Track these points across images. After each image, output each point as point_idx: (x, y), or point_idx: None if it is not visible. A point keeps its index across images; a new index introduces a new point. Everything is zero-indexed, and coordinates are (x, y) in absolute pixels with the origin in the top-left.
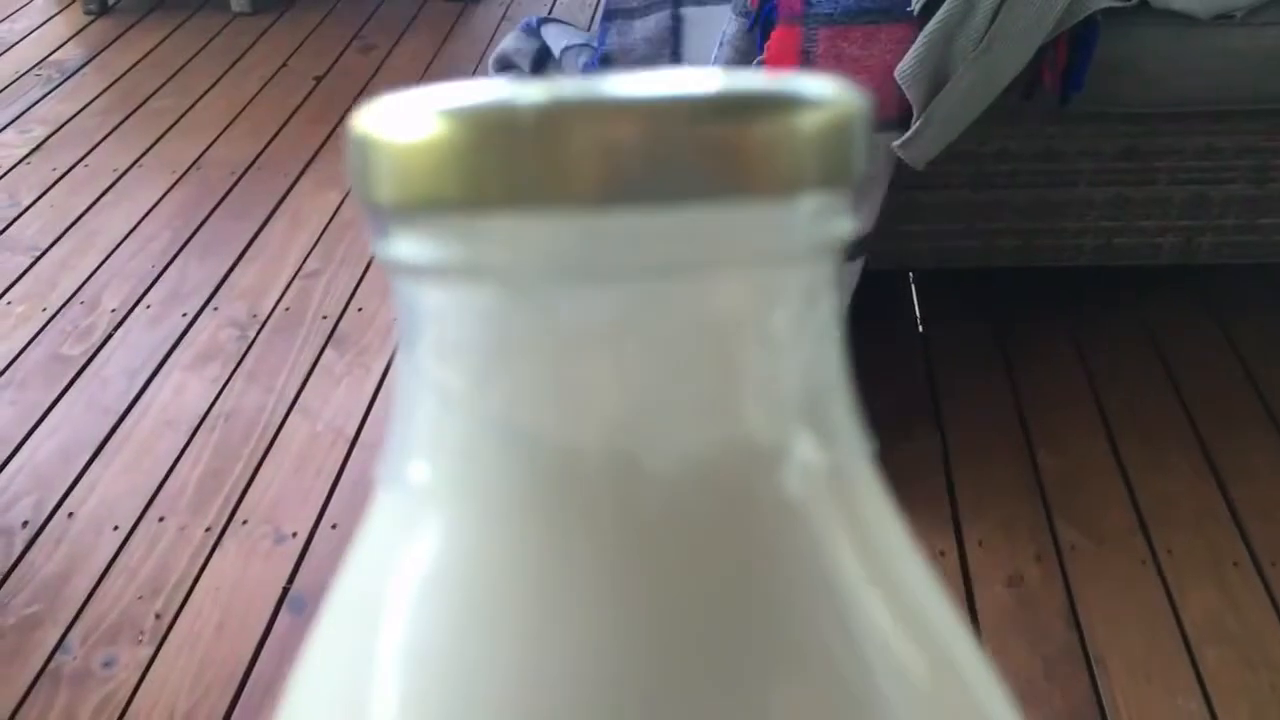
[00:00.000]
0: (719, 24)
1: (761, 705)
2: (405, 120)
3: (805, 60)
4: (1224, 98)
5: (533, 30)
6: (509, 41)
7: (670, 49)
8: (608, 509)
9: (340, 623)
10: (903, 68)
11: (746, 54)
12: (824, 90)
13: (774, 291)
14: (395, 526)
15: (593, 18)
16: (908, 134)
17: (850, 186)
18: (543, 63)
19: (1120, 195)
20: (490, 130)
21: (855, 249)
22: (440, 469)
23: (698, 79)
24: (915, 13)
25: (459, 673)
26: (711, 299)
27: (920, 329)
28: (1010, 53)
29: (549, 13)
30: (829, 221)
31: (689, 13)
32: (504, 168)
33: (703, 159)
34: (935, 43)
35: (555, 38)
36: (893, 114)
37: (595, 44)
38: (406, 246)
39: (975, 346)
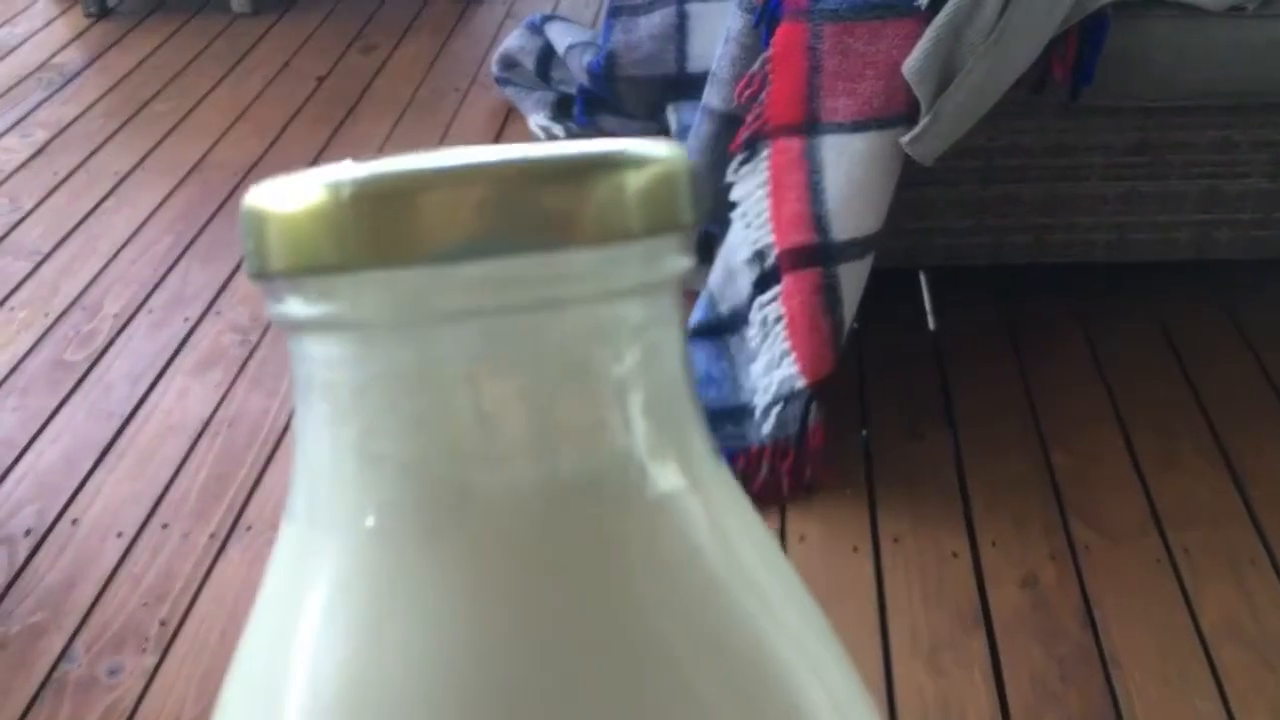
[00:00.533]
0: (724, 20)
1: (616, 702)
2: (278, 198)
3: (811, 56)
4: (1237, 91)
5: (536, 28)
6: (513, 40)
7: (675, 45)
8: (451, 530)
9: (249, 646)
10: (910, 63)
11: (752, 50)
12: (649, 150)
13: (608, 326)
14: (287, 551)
15: (597, 15)
16: (916, 130)
17: (679, 232)
18: (547, 61)
19: (1133, 190)
20: (344, 201)
21: (864, 247)
22: (317, 498)
23: (540, 149)
24: (923, 7)
25: (335, 686)
26: (544, 336)
27: (931, 327)
28: (1020, 46)
29: (553, 10)
30: (660, 262)
31: (694, 9)
32: (354, 233)
33: (530, 215)
34: (943, 37)
35: (559, 35)
36: (900, 110)
37: (600, 41)
38: (287, 307)
39: (987, 344)
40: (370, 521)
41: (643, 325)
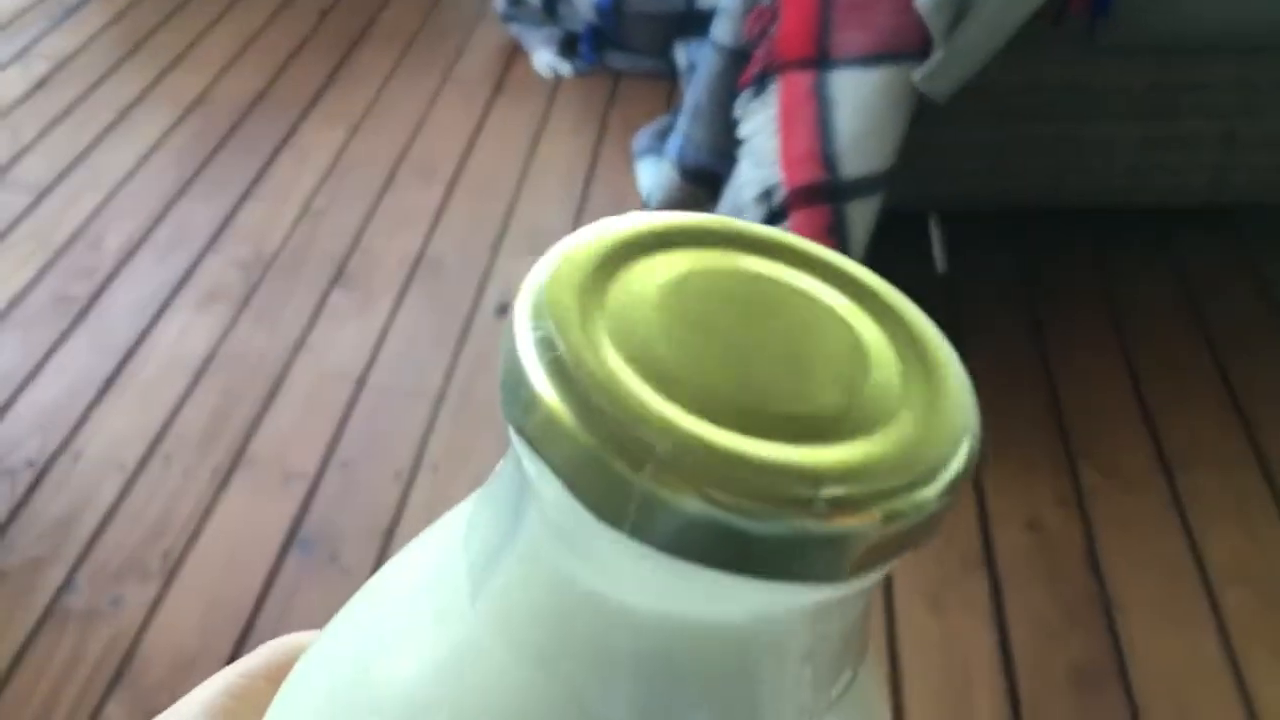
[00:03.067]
0: None
1: None
2: (570, 399)
3: None
4: (1255, 30)
5: None
6: None
7: None
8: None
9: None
10: None
11: None
12: (953, 449)
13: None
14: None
15: None
16: (928, 65)
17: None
18: None
19: (1150, 130)
20: (628, 465)
21: (875, 185)
22: (510, 604)
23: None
24: None
25: None
26: (752, 641)
27: (941, 269)
28: None
29: None
30: (877, 574)
31: None
32: (616, 495)
33: (797, 548)
34: None
35: None
36: (914, 45)
37: None
38: (529, 464)
39: (998, 287)
40: (528, 651)
41: (830, 621)
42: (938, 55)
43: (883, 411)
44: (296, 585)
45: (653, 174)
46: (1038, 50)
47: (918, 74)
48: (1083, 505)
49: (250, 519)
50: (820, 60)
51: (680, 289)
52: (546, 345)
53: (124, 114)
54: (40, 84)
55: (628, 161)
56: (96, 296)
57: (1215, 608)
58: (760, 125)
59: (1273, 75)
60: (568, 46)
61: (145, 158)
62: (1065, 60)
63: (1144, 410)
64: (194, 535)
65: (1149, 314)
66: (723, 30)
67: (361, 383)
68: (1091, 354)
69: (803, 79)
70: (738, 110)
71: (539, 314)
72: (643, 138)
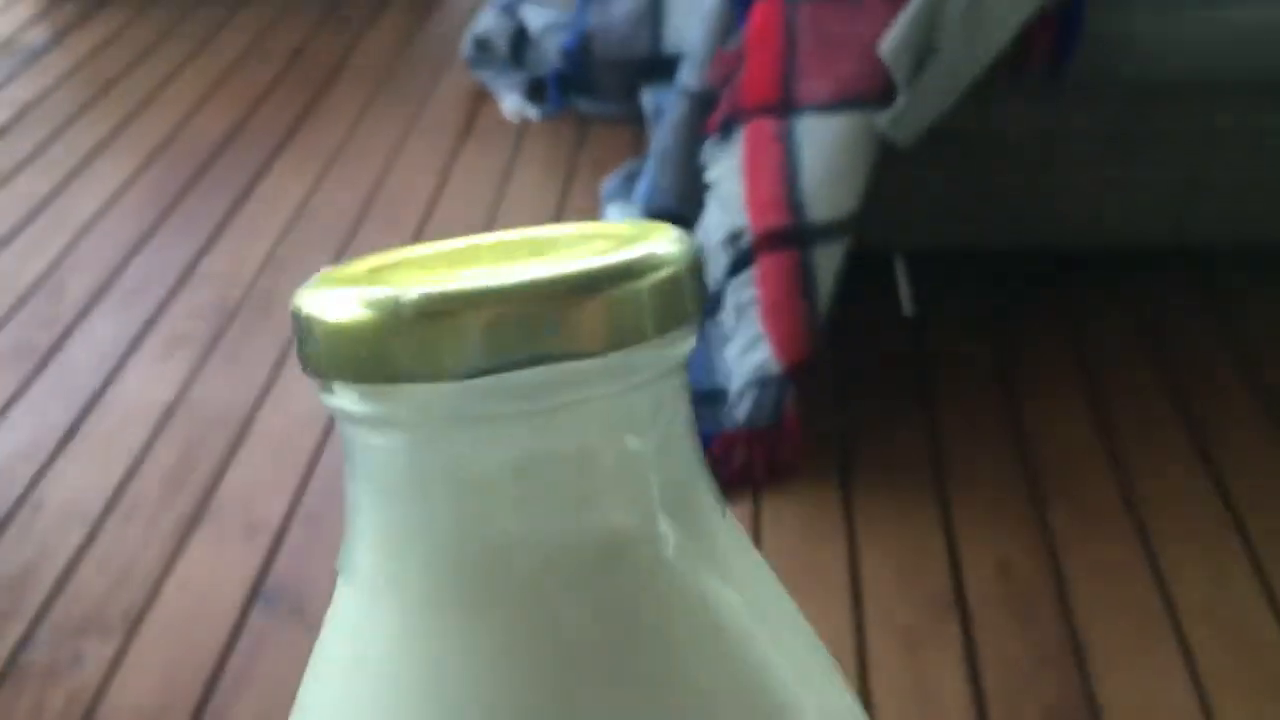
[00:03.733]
0: (699, 0)
1: None
2: (333, 307)
3: (788, 36)
4: (1218, 73)
5: (510, 9)
6: (485, 21)
7: (650, 26)
8: (492, 595)
9: (312, 697)
10: (887, 43)
11: (727, 30)
12: (657, 252)
13: (625, 413)
14: (347, 612)
15: None
16: (892, 111)
17: (687, 325)
18: (520, 43)
19: (1113, 174)
20: (385, 323)
21: (841, 230)
22: (373, 567)
23: (558, 264)
24: None
25: None
26: (568, 429)
27: (908, 312)
28: (997, 25)
29: None
30: (669, 350)
31: None
32: (395, 352)
33: (551, 331)
34: (920, 17)
35: (533, 17)
36: (878, 91)
37: (574, 22)
38: (339, 400)
39: (964, 329)
40: (420, 590)
41: (656, 405)
42: (901, 101)
43: (571, 252)
44: (261, 639)
45: (621, 218)
46: (1000, 95)
47: (882, 120)
48: (1052, 546)
49: (214, 572)
50: (785, 106)
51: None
52: (306, 293)
53: (87, 160)
54: (3, 132)
55: (596, 205)
56: (58, 345)
57: (1185, 649)
58: (727, 170)
59: (1233, 120)
60: (535, 91)
61: (109, 204)
62: (1028, 105)
63: (1111, 451)
64: (156, 588)
65: (1114, 355)
66: (688, 76)
67: (328, 431)
68: (1058, 395)
69: (768, 125)
70: (704, 155)
71: (305, 288)
72: (611, 182)
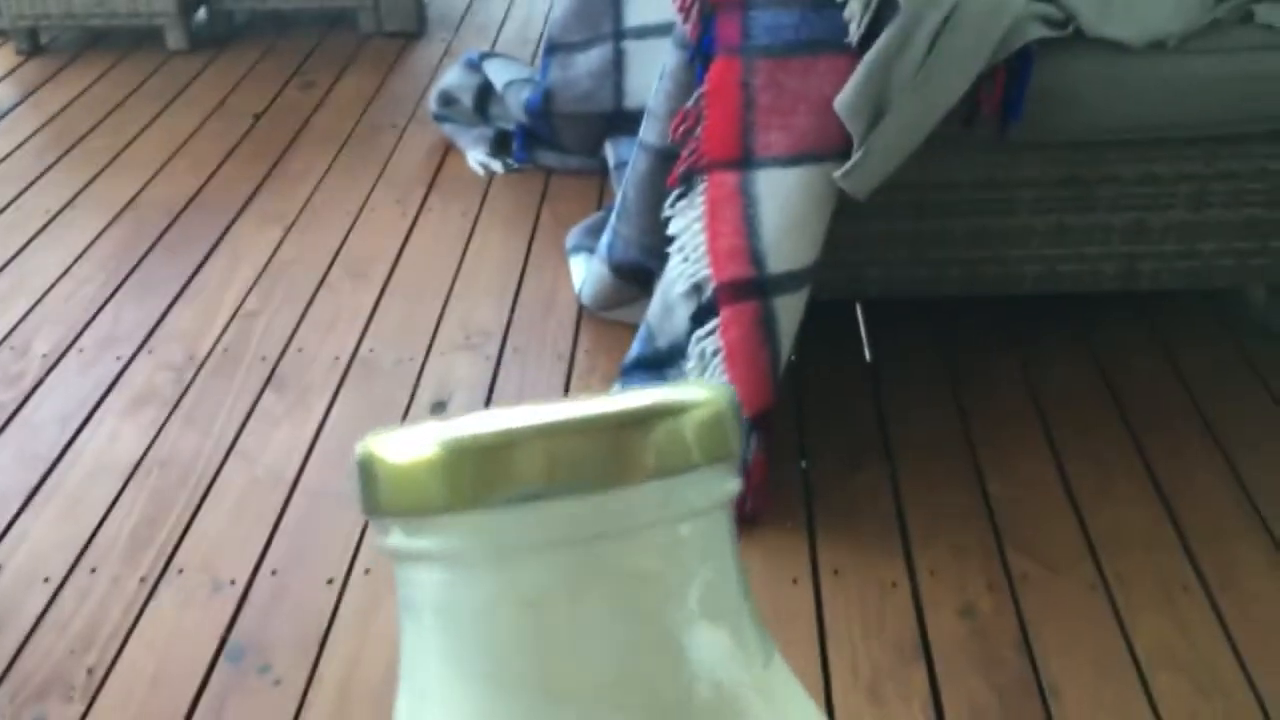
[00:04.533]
0: (660, 57)
1: None
2: (396, 447)
3: (745, 92)
4: (1160, 125)
5: (474, 65)
6: (451, 77)
7: (612, 82)
8: (557, 712)
9: None
10: (842, 99)
11: (687, 86)
12: (697, 395)
13: (672, 546)
14: None
15: (535, 52)
16: (848, 164)
17: (730, 459)
18: (485, 98)
19: (1061, 222)
20: (442, 456)
21: (800, 280)
22: (423, 699)
23: (607, 402)
24: (854, 44)
25: None
26: (616, 558)
27: (868, 359)
28: (948, 82)
29: (491, 48)
30: (711, 488)
31: (630, 46)
32: (450, 482)
33: (606, 460)
34: (874, 73)
35: (497, 72)
36: (834, 145)
37: (537, 78)
38: (390, 539)
39: (923, 375)
40: (487, 708)
41: (702, 543)
42: (857, 155)
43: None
44: (226, 697)
45: (585, 270)
46: (953, 148)
47: (839, 173)
48: (1014, 591)
49: (179, 630)
50: (745, 160)
51: None
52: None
53: (54, 218)
54: None
55: (560, 258)
56: (23, 404)
57: (1147, 692)
58: (689, 222)
59: (1176, 167)
60: (499, 145)
61: (75, 262)
62: (980, 157)
63: (1069, 494)
64: (120, 648)
65: (1069, 398)
66: (650, 131)
67: (294, 486)
68: (1016, 439)
69: (728, 178)
70: (667, 209)
71: (369, 436)
72: (575, 234)
